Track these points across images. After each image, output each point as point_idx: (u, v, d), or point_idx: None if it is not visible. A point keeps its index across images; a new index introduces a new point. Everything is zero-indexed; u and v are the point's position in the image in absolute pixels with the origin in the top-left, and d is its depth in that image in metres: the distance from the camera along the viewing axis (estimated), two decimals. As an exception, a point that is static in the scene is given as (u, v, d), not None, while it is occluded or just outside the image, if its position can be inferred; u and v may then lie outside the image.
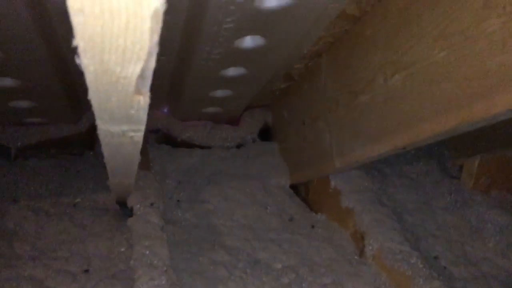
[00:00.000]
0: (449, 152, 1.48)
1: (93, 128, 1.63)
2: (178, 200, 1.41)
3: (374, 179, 1.35)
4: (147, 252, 1.04)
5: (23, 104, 1.32)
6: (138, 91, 0.44)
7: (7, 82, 1.13)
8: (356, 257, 1.22)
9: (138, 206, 1.22)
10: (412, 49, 0.94)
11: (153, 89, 0.45)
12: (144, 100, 0.46)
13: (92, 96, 0.46)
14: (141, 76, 0.41)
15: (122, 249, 1.19)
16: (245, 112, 1.75)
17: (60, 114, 1.50)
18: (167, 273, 0.98)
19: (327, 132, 1.29)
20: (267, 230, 1.34)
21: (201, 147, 1.67)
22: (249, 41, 1.00)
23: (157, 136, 1.69)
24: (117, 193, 1.33)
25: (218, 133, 1.70)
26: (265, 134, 1.79)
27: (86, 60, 0.38)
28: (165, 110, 1.65)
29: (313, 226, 1.38)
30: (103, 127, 0.56)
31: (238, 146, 1.72)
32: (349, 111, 1.17)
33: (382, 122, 1.03)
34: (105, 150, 0.72)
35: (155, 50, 0.36)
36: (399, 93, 0.98)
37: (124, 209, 1.47)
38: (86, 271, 1.15)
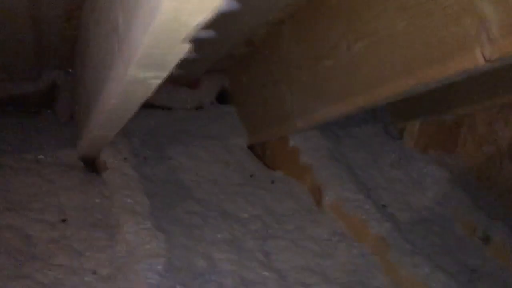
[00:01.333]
0: (392, 117, 1.66)
1: (52, 86, 1.64)
2: (145, 157, 1.47)
3: (329, 139, 1.49)
4: (129, 200, 1.11)
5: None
6: (186, 40, 0.52)
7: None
8: (314, 207, 1.36)
9: (112, 160, 1.27)
10: (375, 19, 1.06)
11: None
12: (185, 49, 0.54)
13: (143, 41, 0.53)
14: (196, 27, 0.48)
15: (97, 200, 1.24)
16: (203, 76, 1.82)
17: (19, 71, 1.49)
18: (150, 218, 1.06)
19: (289, 94, 1.39)
20: (231, 185, 1.44)
21: (162, 108, 1.73)
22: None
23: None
24: (87, 149, 1.37)
25: (177, 95, 1.76)
26: (222, 97, 1.87)
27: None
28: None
29: (272, 182, 1.51)
30: (132, 73, 0.62)
31: (197, 108, 1.80)
32: (312, 74, 1.28)
33: (345, 84, 1.15)
34: (114, 98, 0.78)
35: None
36: (361, 58, 1.10)
37: (87, 166, 1.51)
38: (63, 220, 1.20)
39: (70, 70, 1.62)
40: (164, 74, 0.63)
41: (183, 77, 1.72)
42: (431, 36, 0.93)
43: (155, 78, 0.64)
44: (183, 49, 0.53)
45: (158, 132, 1.62)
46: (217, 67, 1.81)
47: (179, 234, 1.12)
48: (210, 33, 1.31)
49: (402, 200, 1.39)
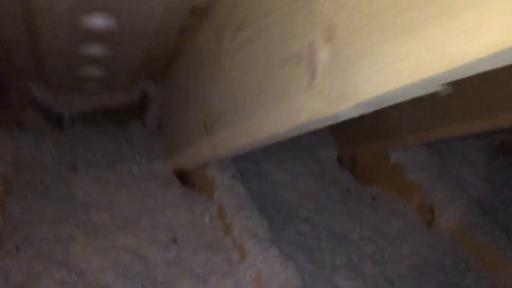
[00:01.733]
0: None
1: (144, 97, 1.62)
2: (242, 173, 1.43)
3: (435, 155, 1.41)
4: (250, 224, 1.06)
5: (93, 71, 1.29)
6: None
7: (97, 50, 1.10)
8: (425, 229, 1.29)
9: (220, 177, 1.23)
10: None
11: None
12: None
13: (377, 84, 0.48)
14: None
15: (206, 220, 1.21)
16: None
17: (115, 82, 1.47)
18: (274, 243, 1.01)
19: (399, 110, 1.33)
20: (332, 201, 1.39)
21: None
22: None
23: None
24: (188, 165, 1.34)
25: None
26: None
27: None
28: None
29: (373, 198, 1.44)
30: (333, 111, 0.56)
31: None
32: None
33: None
34: (280, 128, 0.72)
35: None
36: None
37: (180, 179, 1.48)
38: (175, 240, 1.16)
39: (160, 81, 1.60)
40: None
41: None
42: None
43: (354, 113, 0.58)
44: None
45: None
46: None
47: (303, 260, 1.08)
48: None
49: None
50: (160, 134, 1.66)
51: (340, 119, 0.59)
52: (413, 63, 0.43)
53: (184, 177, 1.49)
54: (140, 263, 1.07)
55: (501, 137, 1.63)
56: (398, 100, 0.52)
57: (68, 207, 1.24)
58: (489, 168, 1.45)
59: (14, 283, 0.96)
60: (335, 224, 1.29)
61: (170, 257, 1.11)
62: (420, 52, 0.42)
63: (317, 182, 1.48)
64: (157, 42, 1.13)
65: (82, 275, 1.01)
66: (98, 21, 0.88)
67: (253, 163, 1.48)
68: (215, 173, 1.24)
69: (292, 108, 0.64)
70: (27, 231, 1.08)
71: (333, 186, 1.48)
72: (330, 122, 0.62)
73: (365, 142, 1.52)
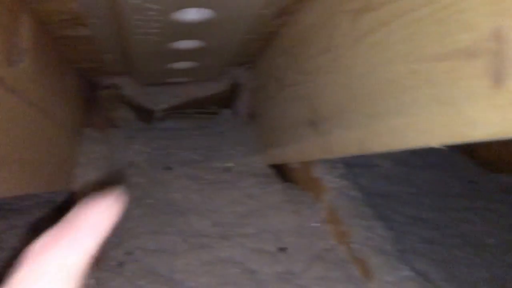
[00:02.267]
0: None
1: (234, 87, 1.51)
2: (350, 165, 1.28)
3: None
4: (370, 234, 0.92)
5: (184, 65, 1.18)
6: None
7: (190, 44, 0.99)
8: None
9: (329, 177, 1.09)
10: None
11: None
12: None
13: None
14: None
15: (314, 225, 1.08)
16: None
17: (205, 73, 1.37)
18: (403, 259, 0.86)
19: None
20: (458, 198, 1.20)
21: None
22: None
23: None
24: (283, 159, 1.22)
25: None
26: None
27: None
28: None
29: (505, 190, 1.23)
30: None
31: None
32: None
33: None
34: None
35: None
36: None
37: (277, 173, 1.36)
38: (282, 249, 1.05)
39: (252, 69, 1.47)
40: None
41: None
42: None
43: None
44: None
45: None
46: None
47: (438, 277, 0.92)
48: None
49: None
50: (253, 125, 1.55)
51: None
52: None
53: (280, 172, 1.37)
54: (248, 278, 0.97)
55: None
56: None
57: (167, 213, 1.16)
58: None
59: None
60: (464, 226, 1.11)
61: (280, 270, 0.99)
62: None
63: (435, 173, 1.29)
64: (254, 30, 1.00)
65: (189, 294, 0.93)
66: (193, 15, 0.76)
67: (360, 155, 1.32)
68: (322, 172, 1.10)
69: (458, 118, 0.49)
70: (130, 244, 1.01)
71: (454, 178, 1.29)
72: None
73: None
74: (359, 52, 0.68)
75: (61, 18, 0.86)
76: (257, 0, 0.75)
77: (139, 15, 0.75)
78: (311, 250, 1.03)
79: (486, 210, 1.17)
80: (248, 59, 1.42)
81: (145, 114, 1.46)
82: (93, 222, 0.23)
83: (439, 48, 0.50)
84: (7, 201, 1.19)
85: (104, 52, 1.13)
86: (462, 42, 0.47)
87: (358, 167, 1.28)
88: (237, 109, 1.56)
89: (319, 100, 0.88)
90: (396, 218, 1.10)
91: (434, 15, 0.51)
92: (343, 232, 0.98)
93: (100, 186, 1.08)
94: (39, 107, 0.78)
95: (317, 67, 0.87)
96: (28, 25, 0.76)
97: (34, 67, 0.76)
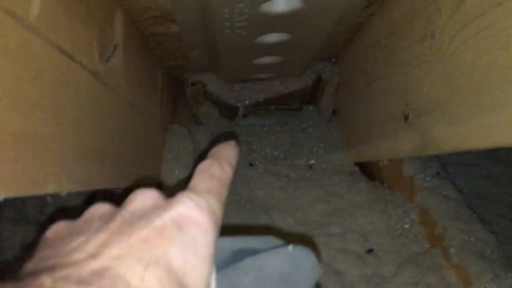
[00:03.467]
0: None
1: (318, 81, 1.47)
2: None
3: None
4: (471, 238, 0.84)
5: (269, 60, 1.17)
6: None
7: (275, 38, 0.97)
8: None
9: (421, 175, 1.02)
10: None
11: None
12: None
13: None
14: None
15: (406, 226, 1.01)
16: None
17: (289, 68, 1.34)
18: (504, 264, 0.78)
19: None
20: None
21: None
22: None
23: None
24: (371, 156, 1.16)
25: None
26: None
27: None
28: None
29: None
30: None
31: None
32: None
33: None
34: None
35: None
36: None
37: (363, 170, 1.31)
38: (370, 251, 1.00)
39: (336, 63, 1.43)
40: None
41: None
42: None
43: None
44: None
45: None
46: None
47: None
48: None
49: None
50: (336, 121, 1.50)
51: None
52: None
53: (365, 170, 1.31)
54: (335, 280, 0.93)
55: None
56: None
57: (250, 209, 1.15)
58: None
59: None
60: None
61: (368, 273, 0.94)
62: None
63: (501, 169, 1.17)
64: (343, 21, 0.96)
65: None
66: (282, 6, 0.73)
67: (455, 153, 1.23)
68: (415, 170, 1.03)
69: None
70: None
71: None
72: None
73: None
74: (466, 37, 0.62)
75: (151, 14, 0.87)
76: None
77: (228, 8, 0.74)
78: (401, 253, 0.97)
79: None
80: (333, 53, 1.38)
81: (228, 111, 1.46)
82: (228, 154, 0.32)
83: None
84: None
85: (191, 49, 1.14)
86: None
87: (452, 166, 1.20)
88: (320, 105, 1.52)
89: (415, 93, 0.82)
90: (498, 222, 1.00)
91: None
92: (437, 234, 0.91)
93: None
94: (130, 102, 0.80)
95: (413, 56, 0.81)
96: (120, 21, 0.77)
97: (125, 63, 0.77)
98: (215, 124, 1.44)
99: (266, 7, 0.74)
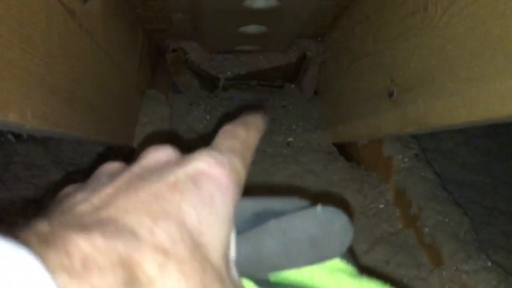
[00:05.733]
0: None
1: (301, 59, 1.44)
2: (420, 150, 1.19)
3: None
4: (446, 220, 0.84)
5: (255, 29, 1.13)
6: None
7: (262, 3, 0.94)
8: None
9: (400, 156, 1.01)
10: None
11: None
12: None
13: None
14: None
15: (381, 206, 1.01)
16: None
17: (274, 42, 1.31)
18: (480, 248, 0.78)
19: None
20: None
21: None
22: None
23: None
24: (350, 136, 1.14)
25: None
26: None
27: None
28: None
29: None
30: None
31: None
32: None
33: None
34: None
35: None
36: None
37: (340, 150, 1.30)
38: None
39: (322, 40, 1.40)
40: None
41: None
42: None
43: None
44: None
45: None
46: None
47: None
48: None
49: None
50: (317, 101, 1.48)
51: None
52: None
53: (343, 152, 1.30)
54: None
55: None
56: None
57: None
58: None
59: None
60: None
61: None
62: None
63: None
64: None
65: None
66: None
67: (432, 138, 1.23)
68: (394, 151, 1.02)
69: None
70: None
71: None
72: None
73: None
74: (461, 7, 0.60)
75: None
76: None
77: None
78: (374, 232, 0.96)
79: None
80: (319, 31, 1.35)
81: (209, 82, 1.43)
82: (256, 121, 0.31)
83: None
84: (69, 156, 1.19)
85: (175, 11, 1.10)
86: None
87: (430, 151, 1.19)
88: (302, 83, 1.49)
89: (402, 68, 0.80)
90: (472, 208, 1.00)
91: None
92: (412, 215, 0.90)
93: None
94: (106, 53, 0.76)
95: (403, 30, 0.79)
96: (102, -34, 0.73)
97: (104, 11, 0.73)
98: (194, 95, 1.40)
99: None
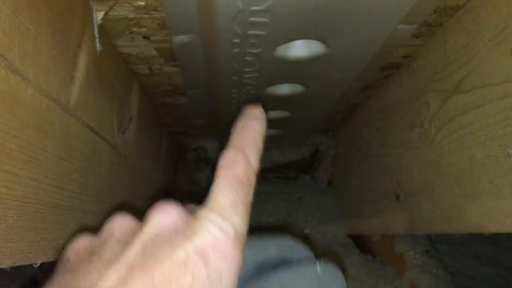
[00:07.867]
0: None
1: (315, 153, 1.54)
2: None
3: None
4: (457, 318, 0.87)
5: (269, 132, 1.23)
6: None
7: (276, 115, 1.04)
8: None
9: (411, 253, 1.06)
10: None
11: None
12: None
13: None
14: None
15: (396, 302, 1.04)
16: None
17: (288, 140, 1.41)
18: None
19: None
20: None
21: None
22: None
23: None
24: (364, 231, 1.20)
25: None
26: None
27: None
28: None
29: None
30: None
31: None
32: None
33: None
34: None
35: None
36: None
37: (356, 243, 1.34)
38: (360, 325, 1.02)
39: (333, 136, 1.50)
40: None
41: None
42: None
43: None
44: None
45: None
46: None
47: None
48: None
49: None
50: (331, 192, 1.55)
51: None
52: None
53: (358, 243, 1.35)
54: None
55: None
56: None
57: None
58: None
59: None
60: None
61: None
62: None
63: None
64: (341, 102, 1.04)
65: None
66: (285, 90, 0.81)
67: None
68: (405, 247, 1.07)
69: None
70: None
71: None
72: None
73: None
74: (451, 131, 0.68)
75: (163, 89, 0.94)
76: (349, 76, 0.79)
77: (236, 88, 0.82)
78: (390, 328, 0.99)
79: None
80: (330, 127, 1.45)
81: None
82: (254, 134, 0.31)
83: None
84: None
85: (196, 118, 1.21)
86: None
87: (442, 244, 1.23)
88: (316, 175, 1.57)
89: (405, 175, 0.87)
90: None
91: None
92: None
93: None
94: (138, 168, 0.85)
95: (404, 141, 0.88)
96: (136, 95, 0.84)
97: (138, 133, 0.83)
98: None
99: (271, 90, 0.81)
